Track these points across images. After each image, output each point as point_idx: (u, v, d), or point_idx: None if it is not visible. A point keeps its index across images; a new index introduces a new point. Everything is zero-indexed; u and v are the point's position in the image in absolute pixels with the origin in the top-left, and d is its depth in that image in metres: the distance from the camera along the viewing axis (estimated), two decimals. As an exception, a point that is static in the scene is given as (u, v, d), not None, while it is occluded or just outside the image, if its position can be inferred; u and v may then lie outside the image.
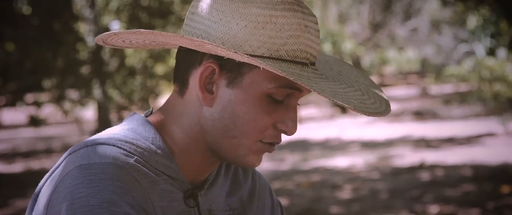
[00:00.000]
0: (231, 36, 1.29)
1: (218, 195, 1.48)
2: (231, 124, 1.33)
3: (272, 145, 1.37)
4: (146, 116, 1.42)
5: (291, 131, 1.35)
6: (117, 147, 1.29)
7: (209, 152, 1.38)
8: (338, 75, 1.43)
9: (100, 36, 1.37)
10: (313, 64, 1.35)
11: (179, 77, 1.38)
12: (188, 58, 1.36)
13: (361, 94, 1.39)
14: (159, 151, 1.34)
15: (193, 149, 1.38)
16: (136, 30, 1.30)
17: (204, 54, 1.33)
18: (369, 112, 1.33)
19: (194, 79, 1.35)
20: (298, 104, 1.39)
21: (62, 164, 1.29)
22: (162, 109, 1.41)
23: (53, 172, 1.31)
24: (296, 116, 1.36)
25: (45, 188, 1.29)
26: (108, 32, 1.35)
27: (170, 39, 1.32)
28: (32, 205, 1.31)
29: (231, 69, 1.32)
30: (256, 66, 1.29)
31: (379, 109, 1.37)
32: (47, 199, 1.25)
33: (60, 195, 1.22)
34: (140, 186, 1.28)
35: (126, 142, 1.31)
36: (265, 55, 1.29)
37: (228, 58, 1.31)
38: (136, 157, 1.30)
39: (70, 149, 1.32)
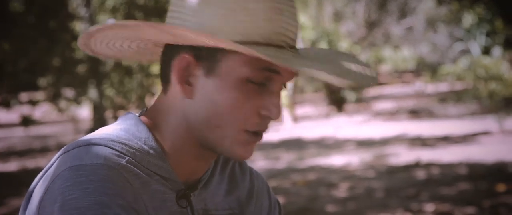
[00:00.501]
0: (205, 26, 1.29)
1: (214, 194, 1.47)
2: (212, 113, 1.31)
3: (258, 134, 1.34)
4: (140, 115, 1.42)
5: (274, 116, 1.32)
6: (109, 147, 1.28)
7: (200, 147, 1.36)
8: (323, 58, 1.42)
9: (80, 41, 1.37)
10: (292, 47, 1.33)
11: (163, 74, 1.38)
12: (168, 53, 1.36)
13: (344, 69, 1.37)
14: (151, 151, 1.34)
15: (184, 147, 1.37)
16: (103, 25, 1.29)
17: (181, 47, 1.33)
18: (352, 80, 1.34)
19: (174, 73, 1.35)
20: (284, 87, 1.36)
21: (55, 164, 1.29)
22: (152, 108, 1.41)
23: (46, 171, 1.30)
24: (279, 101, 1.33)
25: (38, 187, 1.29)
26: (83, 34, 1.34)
27: (136, 30, 1.31)
28: (26, 204, 1.31)
29: (206, 58, 1.31)
30: (231, 52, 1.29)
31: (363, 79, 1.37)
32: (39, 200, 1.25)
33: (52, 196, 1.22)
34: (131, 187, 1.27)
35: (118, 142, 1.30)
36: (239, 40, 1.28)
37: (203, 47, 1.31)
38: (128, 157, 1.29)
39: (62, 148, 1.32)
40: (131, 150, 1.31)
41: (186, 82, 1.34)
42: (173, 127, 1.36)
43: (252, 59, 1.28)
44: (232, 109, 1.30)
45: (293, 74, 1.33)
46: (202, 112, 1.32)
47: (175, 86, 1.35)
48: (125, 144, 1.31)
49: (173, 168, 1.36)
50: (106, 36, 1.35)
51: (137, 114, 1.42)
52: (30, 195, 1.30)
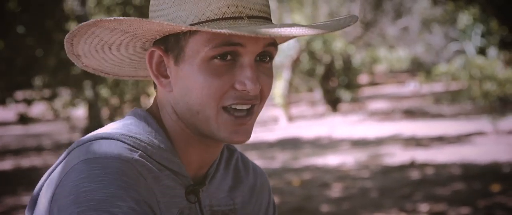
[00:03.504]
0: (165, 17, 1.34)
1: (218, 190, 1.49)
2: (189, 99, 1.33)
3: (240, 113, 1.34)
4: (147, 111, 1.44)
5: (249, 88, 1.30)
6: (121, 141, 1.30)
7: (198, 136, 1.38)
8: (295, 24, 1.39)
9: (66, 47, 1.42)
10: (255, 17, 1.33)
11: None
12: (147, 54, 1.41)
13: (307, 28, 1.35)
14: (162, 145, 1.36)
15: (186, 139, 1.39)
16: (82, 24, 1.33)
17: (154, 45, 1.39)
18: (326, 28, 1.34)
19: (149, 69, 1.40)
20: (263, 61, 1.35)
21: (66, 158, 1.29)
22: (154, 104, 1.44)
23: (53, 169, 1.31)
24: (252, 73, 1.31)
25: (47, 184, 1.29)
26: (67, 37, 1.38)
27: (112, 25, 1.33)
28: (34, 201, 1.31)
29: (173, 48, 1.34)
30: (191, 37, 1.31)
31: (340, 23, 1.37)
32: (52, 194, 1.25)
33: (66, 189, 1.22)
34: (144, 181, 1.28)
35: (129, 136, 1.32)
36: (194, 22, 1.31)
37: (168, 39, 1.35)
38: (140, 151, 1.31)
39: (72, 144, 1.33)
40: (143, 144, 1.33)
41: (163, 75, 1.37)
42: (169, 121, 1.39)
43: (210, 38, 1.29)
44: (204, 89, 1.31)
45: (260, 44, 1.32)
46: (182, 101, 1.35)
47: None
48: (136, 138, 1.33)
49: (181, 163, 1.39)
50: (89, 38, 1.39)
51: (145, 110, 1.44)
52: (39, 191, 1.31)
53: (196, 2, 1.31)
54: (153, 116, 1.41)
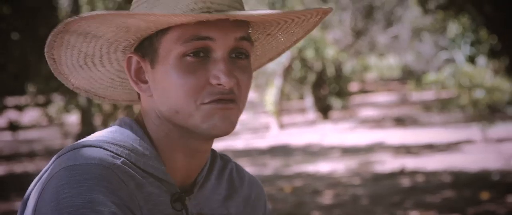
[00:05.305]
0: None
1: (210, 198, 1.47)
2: (167, 100, 1.33)
3: (219, 102, 1.32)
4: (134, 119, 1.44)
5: (224, 82, 1.30)
6: (104, 149, 1.30)
7: (183, 140, 1.38)
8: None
9: (50, 64, 1.42)
10: (223, 11, 1.32)
11: None
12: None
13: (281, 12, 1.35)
14: (146, 152, 1.35)
15: (171, 144, 1.38)
16: (54, 30, 1.32)
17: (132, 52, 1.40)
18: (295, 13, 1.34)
19: (128, 75, 1.40)
20: (239, 58, 1.35)
21: (50, 167, 1.30)
22: (139, 112, 1.45)
23: (41, 177, 1.32)
24: (225, 67, 1.31)
25: (33, 192, 1.30)
26: (46, 49, 1.38)
27: (85, 25, 1.33)
28: (22, 211, 1.32)
29: (148, 52, 1.35)
30: (163, 37, 1.32)
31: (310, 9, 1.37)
32: (35, 202, 1.26)
33: (47, 196, 1.23)
34: (126, 187, 1.27)
35: (113, 144, 1.32)
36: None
37: (143, 43, 1.36)
38: (123, 158, 1.31)
39: (58, 152, 1.34)
40: (126, 151, 1.32)
41: (142, 81, 1.38)
42: (154, 127, 1.39)
43: (180, 34, 1.30)
44: (180, 87, 1.31)
45: (231, 38, 1.33)
46: (161, 104, 1.35)
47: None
48: (120, 146, 1.33)
49: (168, 170, 1.38)
50: (68, 50, 1.39)
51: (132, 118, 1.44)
52: (26, 202, 1.31)
53: (166, 2, 1.32)
54: (138, 124, 1.40)
